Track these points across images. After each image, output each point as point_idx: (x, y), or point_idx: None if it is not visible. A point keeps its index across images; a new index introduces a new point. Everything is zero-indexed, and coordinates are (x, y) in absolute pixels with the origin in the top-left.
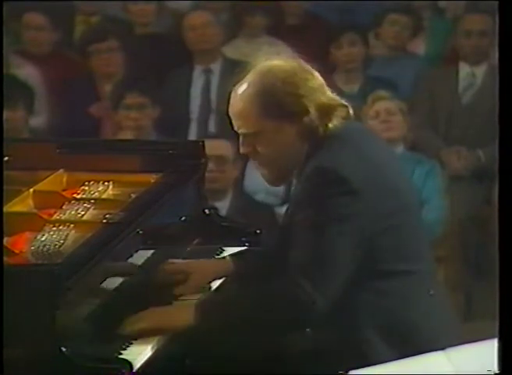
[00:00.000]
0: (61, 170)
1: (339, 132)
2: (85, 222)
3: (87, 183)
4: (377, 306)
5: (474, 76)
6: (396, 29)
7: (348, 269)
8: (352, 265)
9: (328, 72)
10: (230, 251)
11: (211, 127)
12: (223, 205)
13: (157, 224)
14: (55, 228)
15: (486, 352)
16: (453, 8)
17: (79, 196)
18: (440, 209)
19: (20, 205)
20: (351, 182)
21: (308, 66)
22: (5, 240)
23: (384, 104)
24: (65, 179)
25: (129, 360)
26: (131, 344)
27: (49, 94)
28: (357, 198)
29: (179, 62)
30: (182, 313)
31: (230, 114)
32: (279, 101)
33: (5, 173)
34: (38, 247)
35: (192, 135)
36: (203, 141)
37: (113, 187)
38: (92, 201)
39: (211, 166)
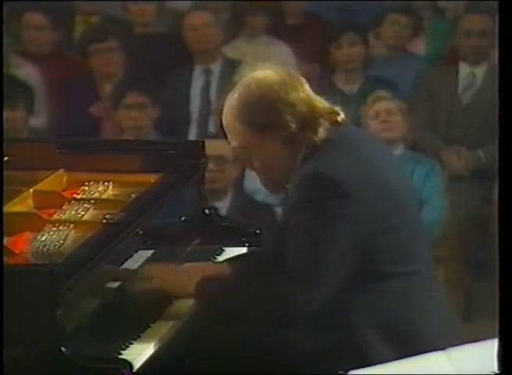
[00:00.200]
0: (61, 170)
1: (331, 138)
2: (85, 222)
3: (87, 183)
4: (376, 307)
5: (474, 76)
6: (396, 29)
7: (343, 270)
8: (347, 266)
9: (328, 72)
10: (230, 251)
11: (211, 127)
12: (223, 205)
13: (157, 224)
14: (54, 228)
15: (486, 352)
16: (453, 8)
17: (79, 196)
18: (440, 209)
19: (20, 205)
20: (345, 185)
21: (295, 76)
22: (5, 240)
23: (384, 104)
24: (65, 179)
25: (129, 360)
26: (131, 344)
27: (49, 94)
28: (350, 200)
29: (179, 62)
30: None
31: (223, 127)
32: (258, 116)
33: (5, 173)
34: (38, 247)
35: (192, 135)
36: (203, 141)
37: (113, 187)
38: (92, 201)
39: (211, 166)
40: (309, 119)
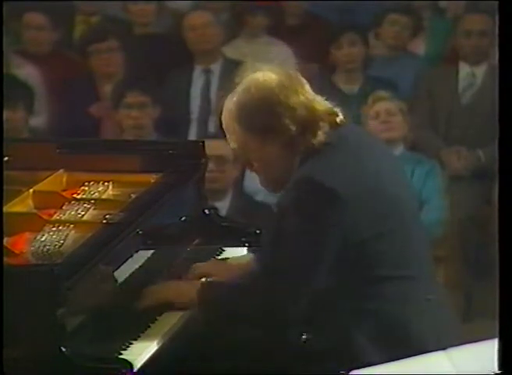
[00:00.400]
0: (61, 170)
1: (329, 141)
2: (85, 222)
3: (86, 183)
4: (373, 311)
5: (474, 76)
6: (396, 29)
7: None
8: (336, 269)
9: (328, 72)
10: (230, 251)
11: (211, 127)
12: (223, 205)
13: (157, 224)
14: (54, 228)
15: (486, 352)
16: (453, 8)
17: (79, 196)
18: (440, 209)
19: (20, 205)
20: (337, 191)
21: (296, 78)
22: (5, 240)
23: (384, 104)
24: (65, 179)
25: (129, 360)
26: (131, 344)
27: (49, 94)
28: (342, 205)
29: (179, 62)
30: (188, 288)
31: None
32: (259, 118)
33: (5, 173)
34: (38, 247)
35: (192, 135)
36: (203, 141)
37: (113, 187)
38: (92, 201)
39: (211, 166)
40: (309, 123)
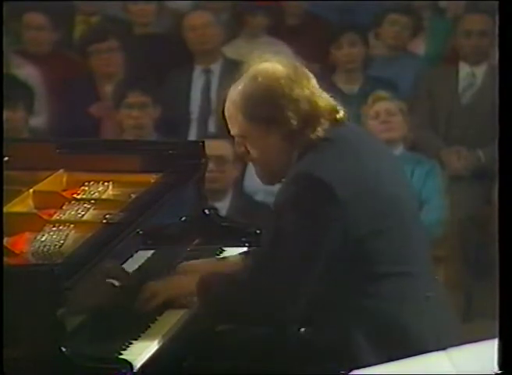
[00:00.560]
0: (61, 170)
1: (329, 137)
2: (85, 222)
3: (86, 183)
4: (372, 308)
5: (474, 76)
6: (396, 29)
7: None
8: (334, 266)
9: (328, 72)
10: (230, 251)
11: (211, 127)
12: (223, 205)
13: (157, 224)
14: (55, 228)
15: (486, 352)
16: (453, 8)
17: (79, 196)
18: (440, 209)
19: (20, 205)
20: (334, 186)
21: (302, 71)
22: (5, 240)
23: (384, 104)
24: (65, 179)
25: (129, 360)
26: (131, 344)
27: (49, 94)
28: (339, 202)
29: (179, 62)
30: (189, 282)
31: (224, 115)
32: (261, 109)
33: (5, 173)
34: (38, 247)
35: (192, 135)
36: (203, 141)
37: (113, 187)
38: (92, 201)
39: (211, 166)
40: (310, 118)
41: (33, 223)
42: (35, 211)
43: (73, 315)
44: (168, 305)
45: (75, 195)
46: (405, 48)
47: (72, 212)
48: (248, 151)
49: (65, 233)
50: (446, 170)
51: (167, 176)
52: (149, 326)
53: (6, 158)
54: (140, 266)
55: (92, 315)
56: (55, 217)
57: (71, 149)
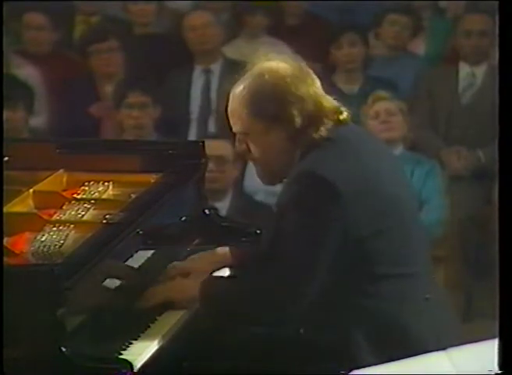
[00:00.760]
0: (61, 170)
1: (331, 137)
2: (85, 222)
3: (87, 183)
4: (372, 309)
5: (474, 76)
6: (396, 29)
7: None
8: (334, 266)
9: (328, 72)
10: None
11: (211, 127)
12: (223, 205)
13: (157, 224)
14: (55, 228)
15: (486, 352)
16: (453, 8)
17: (79, 196)
18: (440, 209)
19: (20, 205)
20: (337, 186)
21: (306, 71)
22: (5, 240)
23: (384, 104)
24: (65, 179)
25: (129, 360)
26: (131, 344)
27: (49, 94)
28: (342, 201)
29: (179, 62)
30: (191, 285)
31: (227, 112)
32: (267, 106)
33: (5, 173)
34: (38, 247)
35: (192, 135)
36: (203, 141)
37: (113, 187)
38: (92, 201)
39: (211, 166)
40: (314, 117)
41: (33, 223)
42: (35, 211)
43: (73, 315)
44: (168, 306)
45: (75, 195)
46: (405, 48)
47: (73, 212)
48: (249, 150)
49: (65, 234)
50: (446, 170)
51: (167, 176)
52: (149, 327)
53: (6, 158)
54: (140, 266)
55: (92, 315)
56: (55, 217)
57: (71, 149)
